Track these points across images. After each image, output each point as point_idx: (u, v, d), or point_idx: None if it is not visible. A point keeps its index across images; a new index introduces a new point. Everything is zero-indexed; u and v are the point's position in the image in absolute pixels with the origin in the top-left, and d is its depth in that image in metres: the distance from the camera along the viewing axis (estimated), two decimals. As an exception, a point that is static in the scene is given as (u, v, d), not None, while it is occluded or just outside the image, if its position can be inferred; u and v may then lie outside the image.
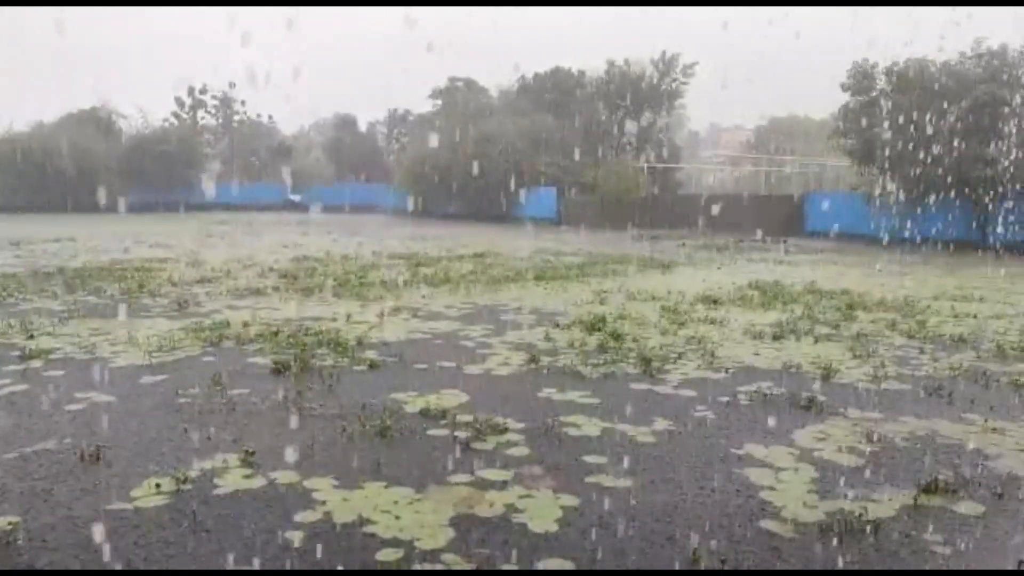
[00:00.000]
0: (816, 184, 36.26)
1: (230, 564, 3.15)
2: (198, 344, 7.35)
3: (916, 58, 24.44)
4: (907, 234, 22.18)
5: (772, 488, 4.04)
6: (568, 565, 3.19)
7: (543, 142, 36.34)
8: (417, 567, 3.14)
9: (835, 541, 3.43)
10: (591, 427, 4.98)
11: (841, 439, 4.84)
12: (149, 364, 6.53)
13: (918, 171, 22.80)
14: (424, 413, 5.18)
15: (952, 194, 21.61)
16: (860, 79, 25.46)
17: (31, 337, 7.53)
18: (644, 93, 40.38)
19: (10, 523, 3.44)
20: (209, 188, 47.65)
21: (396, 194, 43.44)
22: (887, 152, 23.40)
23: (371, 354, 6.97)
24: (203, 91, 57.88)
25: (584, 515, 3.66)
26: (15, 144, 42.33)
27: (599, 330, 8.20)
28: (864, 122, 24.67)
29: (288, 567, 3.15)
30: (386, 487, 3.95)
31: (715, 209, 30.65)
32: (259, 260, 16.06)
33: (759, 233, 25.33)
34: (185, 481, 3.94)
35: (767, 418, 5.26)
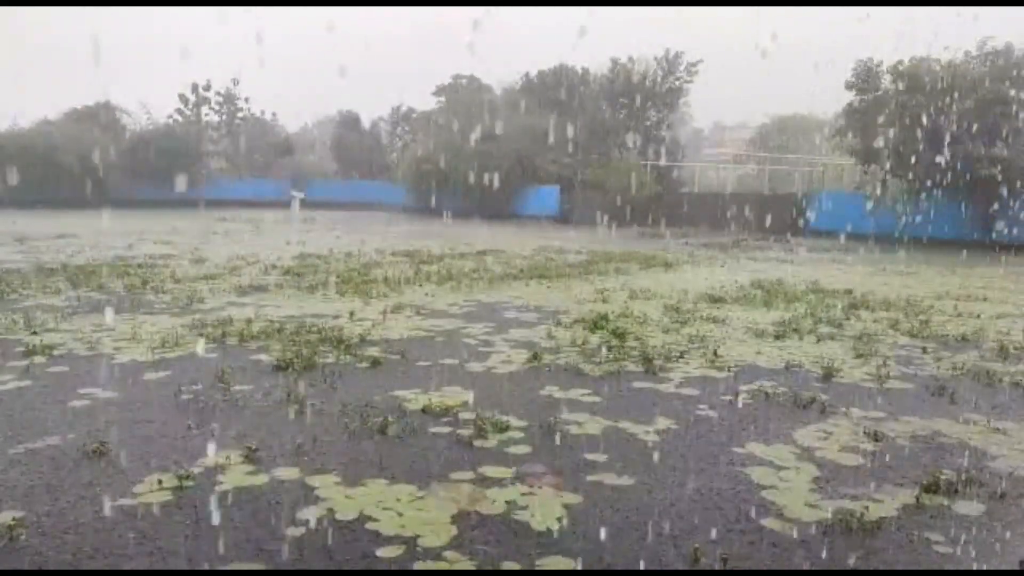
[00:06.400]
0: (820, 183, 36.17)
1: (232, 561, 3.16)
2: (201, 341, 7.36)
3: (921, 57, 24.41)
4: (911, 233, 22.15)
5: (774, 487, 4.04)
6: (570, 564, 3.19)
7: (547, 140, 36.28)
8: (419, 564, 3.15)
9: (837, 540, 3.44)
10: (593, 425, 4.99)
11: (843, 438, 4.85)
12: (152, 360, 6.55)
13: (922, 170, 22.76)
14: (426, 411, 5.19)
15: (956, 193, 21.58)
16: (865, 78, 25.43)
17: (35, 333, 7.55)
18: (648, 91, 40.30)
19: (14, 519, 3.46)
20: (212, 185, 47.66)
21: (399, 191, 43.42)
22: (891, 151, 23.37)
23: (374, 351, 6.98)
24: (207, 88, 57.83)
25: (586, 513, 3.67)
26: (19, 140, 42.38)
27: (601, 328, 8.20)
28: (868, 121, 24.63)
29: (290, 564, 3.16)
30: (388, 484, 3.96)
31: (718, 207, 30.62)
32: (262, 257, 16.08)
33: (763, 229, 25.29)
34: (188, 477, 3.95)
35: (769, 417, 5.27)
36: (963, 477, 4.16)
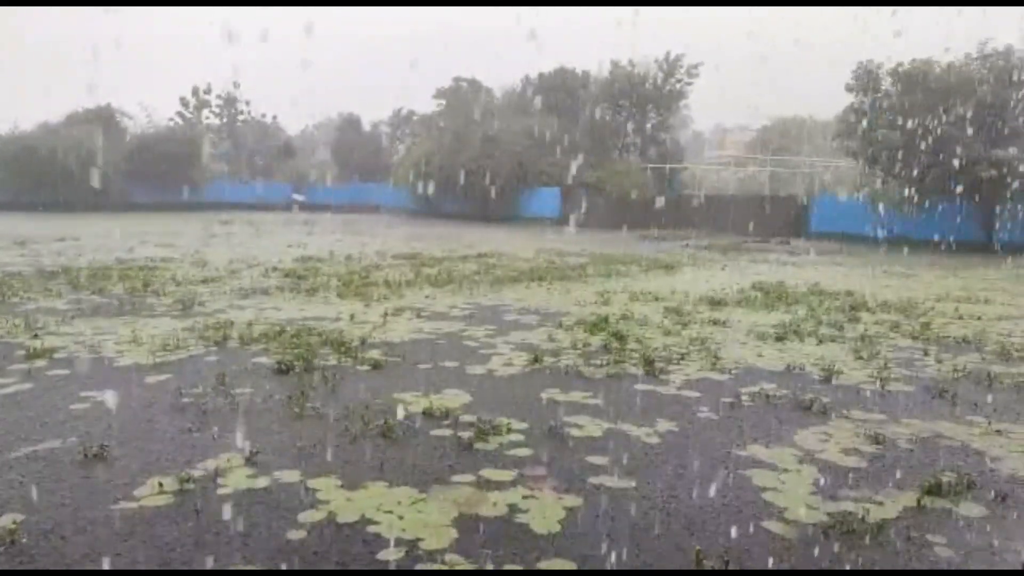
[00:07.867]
0: (820, 185, 36.19)
1: (233, 564, 3.16)
2: (202, 344, 7.37)
3: (921, 59, 24.39)
4: (911, 235, 22.14)
5: (775, 489, 4.04)
6: (570, 566, 3.19)
7: (547, 142, 36.32)
8: (419, 567, 3.15)
9: (838, 542, 3.43)
10: (594, 428, 4.99)
11: (844, 440, 4.84)
12: (153, 363, 6.55)
13: (923, 172, 22.76)
14: (427, 413, 5.19)
15: (957, 195, 21.58)
16: (865, 80, 25.40)
17: (36, 336, 7.55)
18: (648, 94, 40.32)
19: (14, 522, 3.46)
20: (213, 188, 47.71)
21: (400, 194, 43.45)
22: (892, 153, 23.37)
23: (374, 354, 6.98)
24: (208, 91, 57.95)
25: (587, 516, 3.66)
26: (21, 143, 42.45)
27: (602, 331, 8.20)
28: (869, 123, 24.63)
29: (291, 567, 3.16)
30: (389, 487, 3.96)
31: (719, 210, 30.63)
32: (263, 260, 16.08)
33: (764, 232, 25.28)
34: (189, 480, 3.95)
35: (770, 419, 5.26)
36: (964, 479, 4.16)
